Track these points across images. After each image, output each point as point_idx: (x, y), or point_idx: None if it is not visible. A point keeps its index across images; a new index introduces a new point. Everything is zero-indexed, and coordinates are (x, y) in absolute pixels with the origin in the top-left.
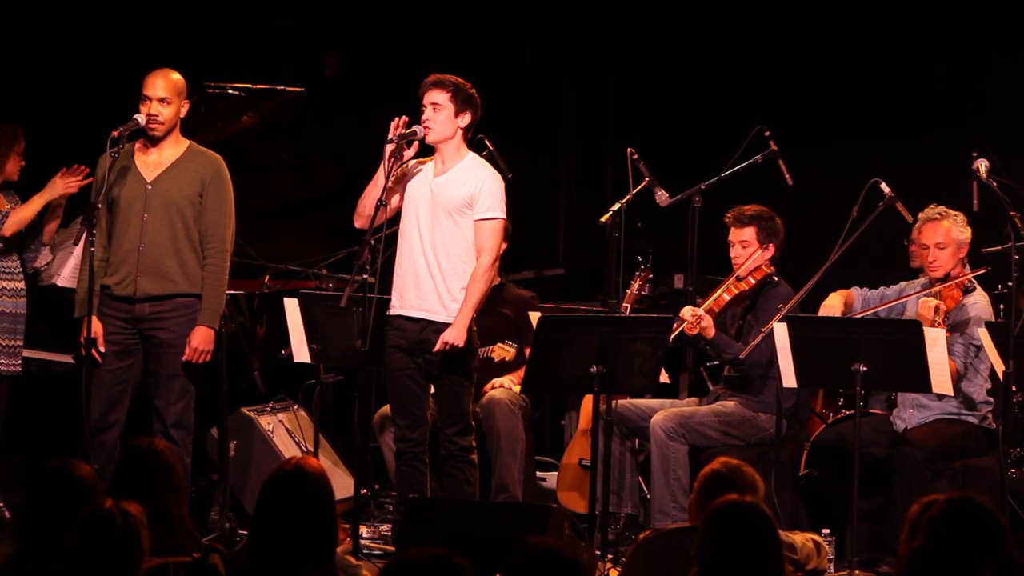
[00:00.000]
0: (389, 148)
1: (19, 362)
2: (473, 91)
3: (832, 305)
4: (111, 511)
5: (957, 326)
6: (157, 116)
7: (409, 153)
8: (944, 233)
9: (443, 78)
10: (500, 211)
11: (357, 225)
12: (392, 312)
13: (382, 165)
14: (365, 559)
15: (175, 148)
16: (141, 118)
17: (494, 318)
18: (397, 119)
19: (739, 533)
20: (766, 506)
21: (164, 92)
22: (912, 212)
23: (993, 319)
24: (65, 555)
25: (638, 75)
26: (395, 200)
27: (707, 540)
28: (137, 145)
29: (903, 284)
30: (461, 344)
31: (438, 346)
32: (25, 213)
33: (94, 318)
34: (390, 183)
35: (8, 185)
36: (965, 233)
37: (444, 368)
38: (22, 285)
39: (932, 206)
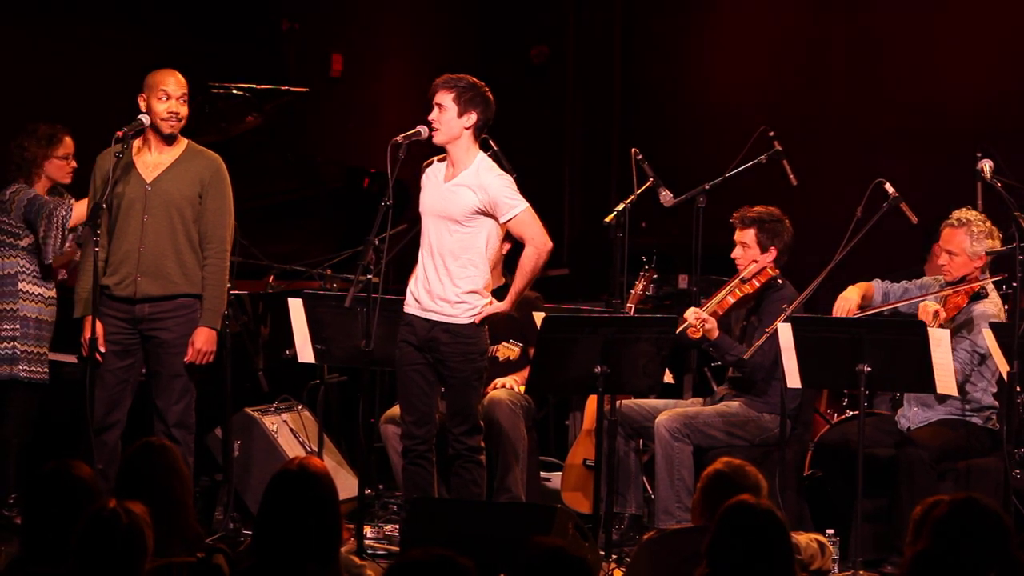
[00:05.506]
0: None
1: (46, 369)
2: (484, 90)
3: (849, 297)
4: (116, 511)
5: (959, 331)
6: (178, 113)
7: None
8: (957, 243)
9: (451, 78)
10: (519, 202)
11: None
12: (406, 310)
13: None
14: (369, 559)
15: (174, 148)
16: (146, 118)
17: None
18: None
19: (754, 535)
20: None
21: (184, 89)
22: (916, 213)
23: None
24: (70, 555)
25: (642, 75)
26: None
27: (720, 541)
28: (136, 145)
29: (926, 279)
30: (501, 310)
31: (481, 313)
32: (84, 208)
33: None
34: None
35: (60, 188)
36: (980, 245)
37: (453, 368)
38: (53, 292)
39: (964, 209)
